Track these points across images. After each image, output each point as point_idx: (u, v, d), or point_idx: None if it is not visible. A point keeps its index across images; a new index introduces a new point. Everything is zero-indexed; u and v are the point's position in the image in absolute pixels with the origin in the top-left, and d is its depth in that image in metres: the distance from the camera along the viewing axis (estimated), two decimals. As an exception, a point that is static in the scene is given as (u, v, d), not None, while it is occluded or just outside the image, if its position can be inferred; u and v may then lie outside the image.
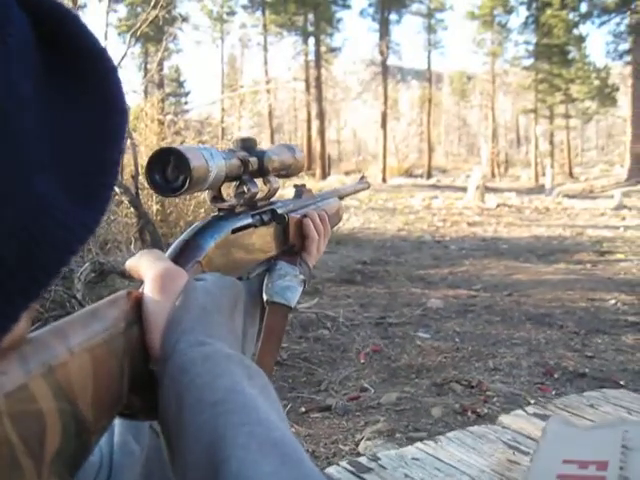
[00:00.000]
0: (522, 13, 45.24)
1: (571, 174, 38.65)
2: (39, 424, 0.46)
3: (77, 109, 0.44)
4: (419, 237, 12.43)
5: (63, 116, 0.43)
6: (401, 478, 1.09)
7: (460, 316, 5.80)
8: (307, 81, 40.39)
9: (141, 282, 0.66)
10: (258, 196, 0.90)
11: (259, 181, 0.90)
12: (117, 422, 0.81)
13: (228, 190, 0.92)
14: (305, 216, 1.02)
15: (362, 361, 4.52)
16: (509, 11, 40.22)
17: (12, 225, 0.38)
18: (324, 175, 35.78)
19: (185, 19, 39.30)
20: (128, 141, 6.28)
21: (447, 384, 4.05)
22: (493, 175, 38.79)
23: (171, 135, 9.17)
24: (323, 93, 40.83)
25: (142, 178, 7.21)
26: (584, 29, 56.81)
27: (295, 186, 1.12)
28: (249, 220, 0.85)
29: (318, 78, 39.75)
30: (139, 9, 32.11)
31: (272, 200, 0.97)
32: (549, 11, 36.18)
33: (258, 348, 0.89)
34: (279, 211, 0.93)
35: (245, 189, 0.86)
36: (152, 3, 7.26)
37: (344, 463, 1.15)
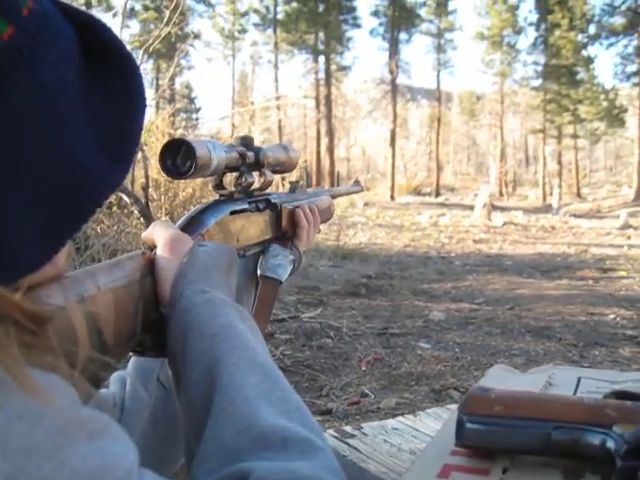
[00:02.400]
0: (531, 34, 45.50)
1: (579, 194, 38.69)
2: (73, 336, 0.60)
3: (112, 96, 0.57)
4: (425, 253, 12.54)
5: (102, 100, 0.56)
6: (381, 443, 1.22)
7: (461, 328, 5.90)
8: (317, 99, 40.65)
9: (154, 247, 0.80)
10: (254, 186, 1.03)
11: (256, 174, 1.03)
12: (129, 373, 0.95)
13: (230, 179, 1.06)
14: (297, 207, 1.14)
15: (363, 368, 4.62)
16: (518, 32, 40.48)
17: (61, 179, 0.52)
18: (332, 192, 35.82)
19: (197, 36, 39.71)
20: (139, 154, 6.43)
21: (445, 391, 4.15)
22: (501, 194, 38.85)
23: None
24: (333, 111, 41.06)
25: (152, 190, 7.36)
26: (592, 50, 57.12)
27: (290, 182, 1.25)
28: (245, 205, 0.99)
29: (328, 96, 40.01)
30: (152, 25, 32.49)
31: (268, 192, 1.10)
32: (558, 32, 36.39)
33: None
34: (273, 201, 1.07)
35: (243, 179, 1.00)
36: (165, 20, 7.44)
37: (330, 431, 1.27)
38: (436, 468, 0.86)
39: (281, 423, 0.58)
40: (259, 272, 1.05)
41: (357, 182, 1.68)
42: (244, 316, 0.73)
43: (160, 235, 0.80)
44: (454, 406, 1.45)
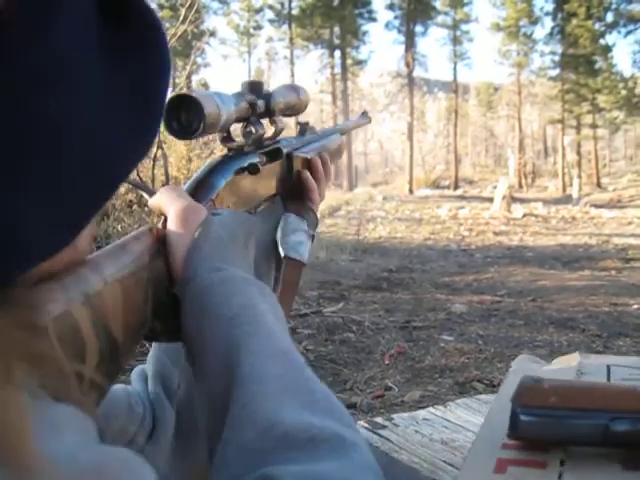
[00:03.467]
0: (547, 24, 45.17)
1: (599, 184, 38.36)
2: (80, 343, 0.55)
3: (132, 55, 0.52)
4: (445, 246, 12.51)
5: (121, 60, 0.51)
6: (412, 433, 1.22)
7: (484, 320, 5.89)
8: (334, 94, 40.63)
9: (164, 218, 0.74)
10: (266, 136, 0.97)
11: (266, 122, 0.97)
12: (150, 380, 0.92)
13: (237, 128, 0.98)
14: (308, 160, 1.06)
15: (386, 362, 4.63)
16: (534, 22, 40.13)
17: (77, 155, 0.47)
18: (351, 187, 35.90)
19: (213, 33, 39.77)
20: (159, 151, 6.46)
21: (469, 383, 4.16)
22: (520, 186, 38.61)
23: (200, 146, 9.35)
24: (350, 105, 41.00)
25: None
26: (610, 39, 56.64)
27: (298, 123, 1.17)
28: (257, 159, 0.92)
29: (344, 91, 39.97)
30: (167, 24, 32.61)
31: (277, 139, 1.03)
32: (575, 21, 36.07)
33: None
34: (285, 150, 1.00)
35: (253, 130, 0.93)
36: (181, 18, 7.45)
37: (362, 422, 1.28)
38: (490, 464, 0.84)
39: (308, 419, 0.53)
40: (282, 252, 0.99)
41: (365, 113, 1.54)
42: (265, 293, 0.68)
43: (169, 205, 0.74)
44: (483, 396, 1.46)
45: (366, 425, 1.26)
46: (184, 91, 0.79)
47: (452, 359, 4.64)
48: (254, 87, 0.94)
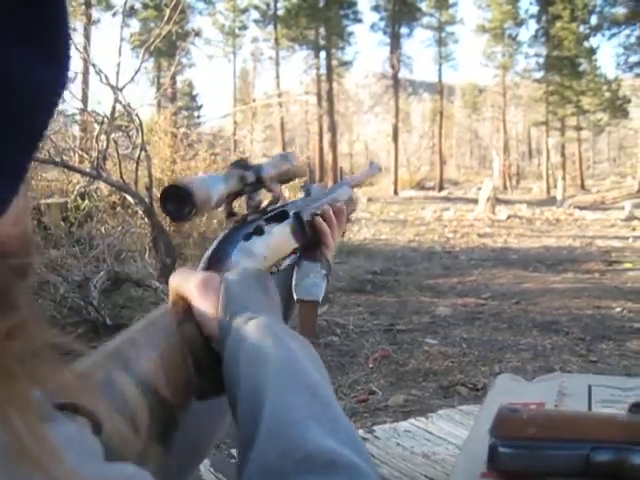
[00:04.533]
0: (532, 26, 45.45)
1: (583, 186, 38.61)
2: (131, 410, 0.61)
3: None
4: (429, 248, 12.53)
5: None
6: (393, 446, 1.21)
7: (467, 323, 5.90)
8: (319, 94, 40.59)
9: (182, 299, 0.79)
10: (265, 203, 1.01)
11: (262, 192, 1.00)
12: None
13: (241, 203, 1.04)
14: (316, 214, 1.10)
15: (371, 366, 4.63)
16: (519, 24, 40.35)
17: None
18: (336, 188, 35.83)
19: (197, 34, 39.68)
20: (142, 153, 6.43)
21: (453, 387, 4.16)
22: (505, 187, 38.77)
23: (184, 148, 9.32)
24: (335, 106, 41.01)
25: (156, 190, 7.36)
26: (594, 41, 56.78)
27: (303, 185, 1.20)
28: (262, 223, 0.96)
29: (330, 91, 39.97)
30: (152, 24, 32.47)
31: (283, 203, 1.06)
32: (559, 24, 36.28)
33: None
34: (290, 211, 1.04)
35: (251, 201, 0.97)
36: (165, 18, 7.42)
37: (342, 434, 1.27)
38: None
39: (329, 445, 0.55)
40: (295, 296, 1.04)
41: (374, 164, 1.59)
42: (293, 334, 0.73)
43: (187, 282, 0.79)
44: (465, 407, 1.45)
45: (347, 438, 1.24)
46: (176, 182, 0.82)
47: (436, 363, 4.64)
48: (241, 163, 0.97)
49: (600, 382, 1.06)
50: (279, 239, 1.00)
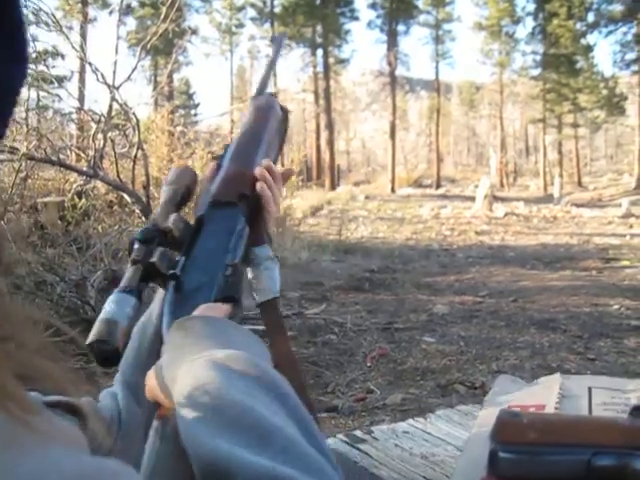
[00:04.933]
0: (529, 24, 45.38)
1: (580, 183, 38.64)
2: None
3: None
4: (427, 246, 12.53)
5: None
6: (392, 447, 1.20)
7: (465, 321, 5.89)
8: (316, 92, 40.60)
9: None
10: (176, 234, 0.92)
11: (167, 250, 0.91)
12: (119, 387, 0.94)
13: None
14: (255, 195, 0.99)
15: (369, 364, 4.62)
16: (516, 22, 40.33)
17: None
18: (333, 186, 35.89)
19: (194, 32, 39.60)
20: (139, 152, 6.41)
21: (451, 386, 4.15)
22: (502, 185, 38.78)
23: (181, 146, 9.29)
24: (332, 104, 40.99)
25: (152, 188, 7.35)
26: (591, 39, 56.86)
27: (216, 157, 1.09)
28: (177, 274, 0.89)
29: (327, 89, 39.95)
30: (149, 22, 32.43)
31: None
32: (556, 21, 36.27)
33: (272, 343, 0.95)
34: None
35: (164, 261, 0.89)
36: (162, 16, 7.40)
37: (341, 435, 1.26)
38: None
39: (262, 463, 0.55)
40: (256, 298, 0.96)
41: (274, 37, 1.36)
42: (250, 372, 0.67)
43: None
44: (464, 407, 1.44)
45: (345, 439, 1.24)
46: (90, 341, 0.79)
47: (434, 361, 4.64)
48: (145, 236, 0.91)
49: (600, 384, 1.05)
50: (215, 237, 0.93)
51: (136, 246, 0.88)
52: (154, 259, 0.87)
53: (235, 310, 0.86)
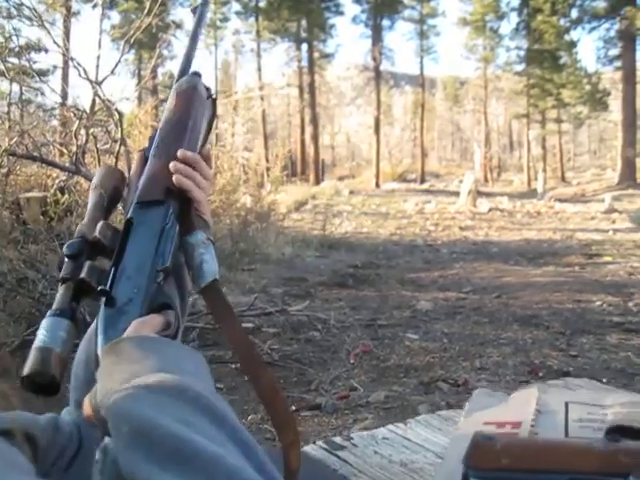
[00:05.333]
0: (513, 19, 45.54)
1: (563, 178, 38.82)
2: None
3: None
4: (411, 241, 12.55)
5: None
6: (371, 454, 1.20)
7: (449, 317, 5.91)
8: (301, 87, 40.55)
9: None
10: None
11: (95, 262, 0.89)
12: (72, 405, 0.93)
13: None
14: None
15: (352, 361, 4.61)
16: (500, 17, 40.43)
17: None
18: (317, 181, 35.88)
19: (179, 26, 39.38)
20: (121, 147, 6.36)
21: (434, 383, 4.15)
22: (486, 180, 38.92)
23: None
24: (316, 99, 40.96)
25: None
26: (575, 35, 57.02)
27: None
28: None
29: (311, 84, 39.91)
30: (133, 16, 32.22)
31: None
32: (540, 17, 36.40)
33: (221, 328, 0.93)
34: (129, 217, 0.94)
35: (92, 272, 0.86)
36: (146, 11, 7.35)
37: (320, 442, 1.25)
38: None
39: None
40: (197, 284, 0.93)
41: (195, 9, 1.27)
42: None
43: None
44: (444, 413, 1.44)
45: (324, 446, 1.23)
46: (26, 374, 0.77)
47: (417, 358, 4.64)
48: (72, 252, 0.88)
49: (577, 399, 1.05)
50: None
51: (65, 263, 0.86)
52: (83, 275, 0.84)
53: (170, 317, 0.83)
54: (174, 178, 0.95)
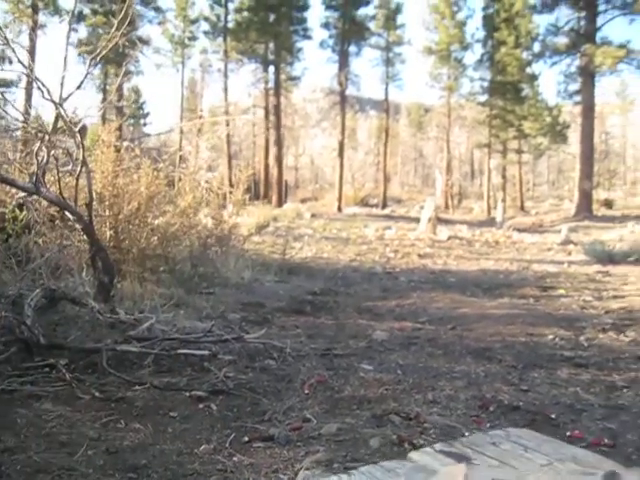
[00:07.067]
0: (478, 50, 46.40)
1: (522, 207, 39.44)
2: None
3: None
4: (370, 268, 12.63)
5: None
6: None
7: (404, 348, 5.95)
8: (266, 108, 40.66)
9: None
10: None
11: None
12: None
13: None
14: None
15: (306, 392, 4.62)
16: (465, 48, 41.14)
17: None
18: (280, 202, 35.91)
19: (146, 42, 39.30)
20: (83, 168, 6.33)
21: (386, 416, 4.18)
22: (447, 206, 39.35)
23: (130, 160, 9.17)
24: (282, 120, 41.10)
25: (96, 204, 7.26)
26: (537, 68, 58.21)
27: None
28: None
29: (277, 106, 40.05)
30: (100, 30, 32.07)
31: None
32: (503, 49, 37.13)
33: None
34: None
35: None
36: (114, 28, 7.34)
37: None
38: None
39: None
40: None
41: None
42: None
43: None
44: (387, 463, 1.48)
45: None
46: None
47: (371, 390, 4.67)
48: None
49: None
50: None
51: None
52: None
53: None
54: None
